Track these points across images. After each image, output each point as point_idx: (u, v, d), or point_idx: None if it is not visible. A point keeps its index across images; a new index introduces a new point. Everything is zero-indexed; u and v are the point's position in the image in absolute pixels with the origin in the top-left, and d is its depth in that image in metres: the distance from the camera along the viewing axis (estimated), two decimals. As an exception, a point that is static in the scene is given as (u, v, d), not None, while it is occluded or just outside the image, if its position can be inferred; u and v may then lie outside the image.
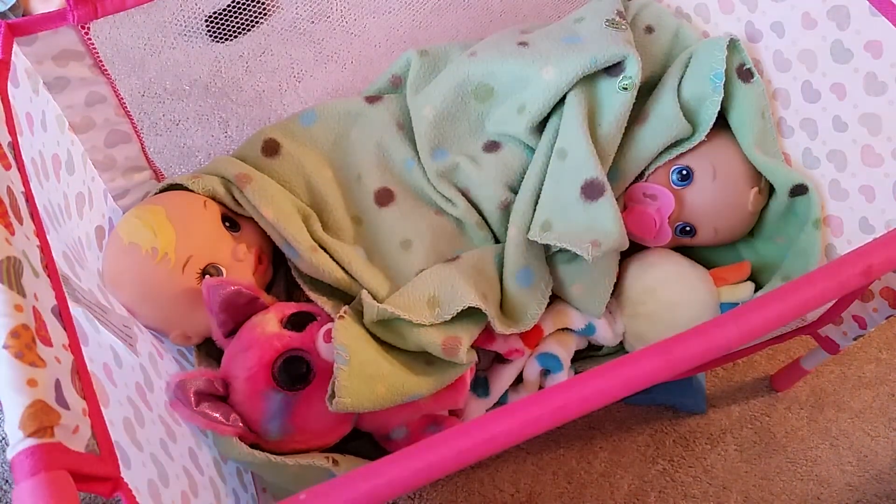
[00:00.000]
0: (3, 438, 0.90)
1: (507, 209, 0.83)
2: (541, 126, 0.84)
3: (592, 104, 0.82)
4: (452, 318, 0.73)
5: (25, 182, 0.54)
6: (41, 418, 0.40)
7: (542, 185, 0.81)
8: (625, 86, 0.81)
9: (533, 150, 0.84)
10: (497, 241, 0.85)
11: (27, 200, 0.54)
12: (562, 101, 0.83)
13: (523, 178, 0.84)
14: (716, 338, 0.46)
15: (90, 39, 0.72)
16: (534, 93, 0.83)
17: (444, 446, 0.42)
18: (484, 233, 0.84)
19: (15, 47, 0.65)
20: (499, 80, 0.86)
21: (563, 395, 0.45)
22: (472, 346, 0.75)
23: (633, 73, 0.81)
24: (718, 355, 0.46)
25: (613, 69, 0.82)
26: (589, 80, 0.83)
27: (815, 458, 0.98)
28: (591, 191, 0.77)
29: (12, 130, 0.56)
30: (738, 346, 0.46)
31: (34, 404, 0.40)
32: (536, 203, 0.81)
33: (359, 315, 0.75)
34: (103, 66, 0.75)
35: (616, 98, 0.81)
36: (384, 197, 0.86)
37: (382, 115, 0.89)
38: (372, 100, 0.91)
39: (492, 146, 0.86)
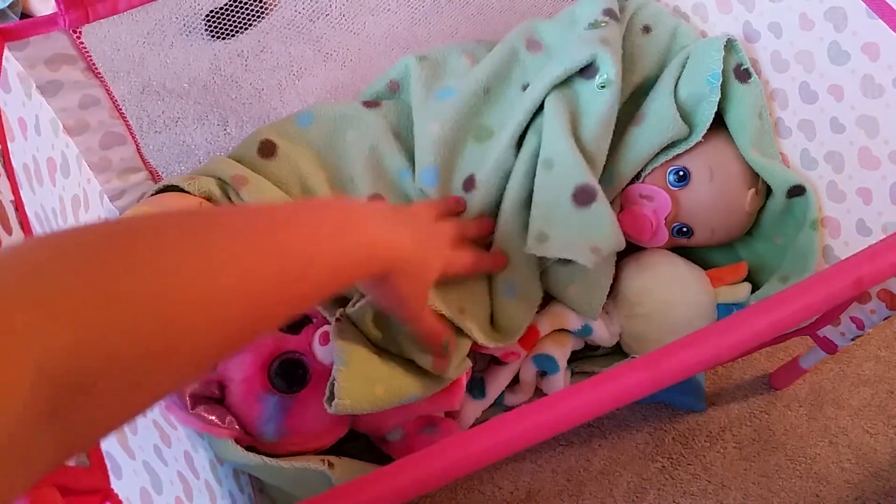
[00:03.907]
0: None
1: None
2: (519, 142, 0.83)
3: (573, 108, 0.80)
4: None
5: (15, 190, 0.54)
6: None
7: (530, 195, 0.79)
8: (602, 84, 0.79)
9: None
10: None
11: (16, 209, 0.54)
12: (540, 108, 0.82)
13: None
14: (705, 351, 0.46)
15: (82, 44, 0.71)
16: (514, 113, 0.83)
17: (440, 458, 0.43)
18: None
19: (6, 52, 0.65)
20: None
21: (553, 408, 0.45)
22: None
23: (608, 69, 0.79)
24: (708, 368, 0.46)
25: (587, 71, 0.81)
26: (565, 85, 0.81)
27: (814, 455, 0.98)
28: (582, 196, 0.76)
29: (2, 137, 0.56)
30: (727, 359, 0.46)
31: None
32: (527, 212, 0.80)
33: (354, 317, 0.75)
34: (96, 69, 0.74)
35: (596, 98, 0.80)
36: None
37: (379, 122, 0.87)
38: (370, 105, 0.90)
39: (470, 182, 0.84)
